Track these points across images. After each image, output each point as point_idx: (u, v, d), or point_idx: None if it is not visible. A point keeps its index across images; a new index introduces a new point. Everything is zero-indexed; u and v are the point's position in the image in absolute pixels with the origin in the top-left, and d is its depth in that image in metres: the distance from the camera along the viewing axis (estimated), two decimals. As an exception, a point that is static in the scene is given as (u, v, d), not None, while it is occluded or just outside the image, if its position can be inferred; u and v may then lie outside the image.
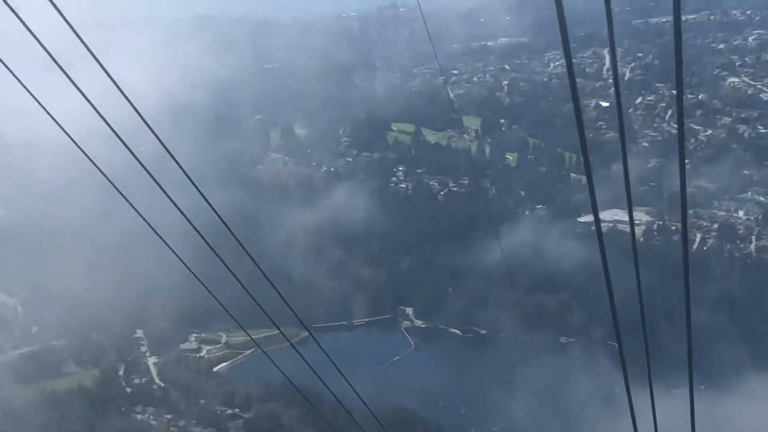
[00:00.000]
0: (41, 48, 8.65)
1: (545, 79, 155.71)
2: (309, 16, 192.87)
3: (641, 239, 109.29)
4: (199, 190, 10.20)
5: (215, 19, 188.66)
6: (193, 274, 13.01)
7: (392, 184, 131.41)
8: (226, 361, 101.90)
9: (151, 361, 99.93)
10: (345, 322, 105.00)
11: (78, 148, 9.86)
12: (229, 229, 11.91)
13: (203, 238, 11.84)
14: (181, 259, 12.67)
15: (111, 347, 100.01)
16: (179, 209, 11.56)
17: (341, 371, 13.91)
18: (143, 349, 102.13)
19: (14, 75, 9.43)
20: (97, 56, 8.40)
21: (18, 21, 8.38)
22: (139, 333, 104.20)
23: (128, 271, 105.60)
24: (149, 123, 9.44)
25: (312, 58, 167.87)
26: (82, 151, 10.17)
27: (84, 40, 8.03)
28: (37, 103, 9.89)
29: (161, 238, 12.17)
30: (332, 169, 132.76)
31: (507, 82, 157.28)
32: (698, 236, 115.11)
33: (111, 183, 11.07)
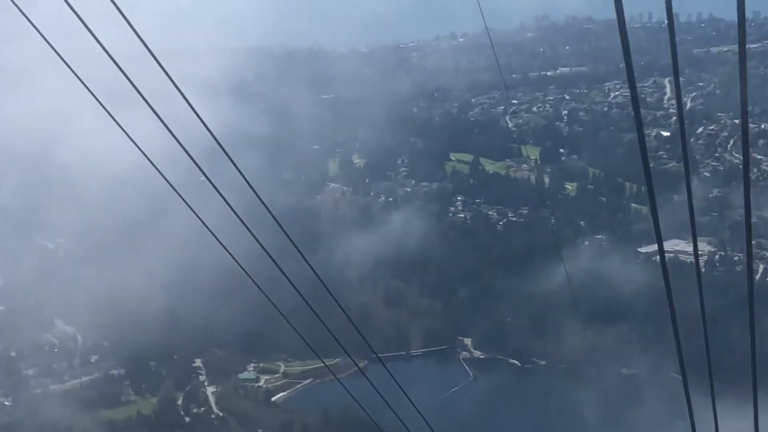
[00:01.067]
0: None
1: (605, 109, 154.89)
2: (366, 47, 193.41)
3: (703, 270, 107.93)
4: (273, 217, 10.05)
5: (272, 50, 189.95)
6: (271, 302, 12.83)
7: (450, 214, 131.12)
8: (284, 391, 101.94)
9: (210, 390, 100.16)
10: (403, 352, 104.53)
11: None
12: (304, 258, 11.71)
13: (279, 268, 11.64)
14: (258, 286, 12.50)
15: (170, 376, 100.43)
16: (257, 239, 11.41)
17: (409, 397, 13.70)
18: (202, 378, 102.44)
19: (102, 105, 9.30)
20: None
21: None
22: (198, 362, 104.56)
23: (186, 301, 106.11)
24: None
25: (370, 89, 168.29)
26: (165, 179, 10.05)
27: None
28: (118, 133, 9.79)
29: (241, 267, 12.02)
30: (390, 199, 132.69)
31: (566, 111, 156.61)
32: (761, 267, 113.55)
33: (192, 211, 10.95)
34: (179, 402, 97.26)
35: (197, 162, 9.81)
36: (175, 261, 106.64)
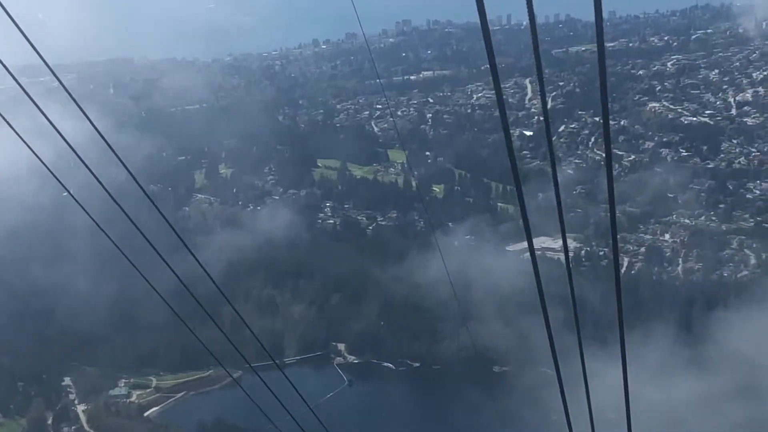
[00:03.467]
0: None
1: (469, 111, 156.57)
2: (229, 56, 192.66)
3: (571, 265, 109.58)
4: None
5: (134, 61, 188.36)
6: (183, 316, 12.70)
7: (320, 220, 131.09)
8: (157, 405, 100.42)
9: (81, 408, 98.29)
10: (276, 361, 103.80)
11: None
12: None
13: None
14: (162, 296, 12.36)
15: (38, 395, 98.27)
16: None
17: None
18: (72, 396, 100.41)
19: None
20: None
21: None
22: (67, 380, 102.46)
23: (54, 318, 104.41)
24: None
25: (234, 98, 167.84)
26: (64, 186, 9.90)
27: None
28: None
29: (153, 281, 11.87)
30: (259, 208, 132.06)
31: (431, 114, 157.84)
32: (626, 260, 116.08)
33: (103, 228, 10.78)
34: (49, 422, 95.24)
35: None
36: (40, 277, 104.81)
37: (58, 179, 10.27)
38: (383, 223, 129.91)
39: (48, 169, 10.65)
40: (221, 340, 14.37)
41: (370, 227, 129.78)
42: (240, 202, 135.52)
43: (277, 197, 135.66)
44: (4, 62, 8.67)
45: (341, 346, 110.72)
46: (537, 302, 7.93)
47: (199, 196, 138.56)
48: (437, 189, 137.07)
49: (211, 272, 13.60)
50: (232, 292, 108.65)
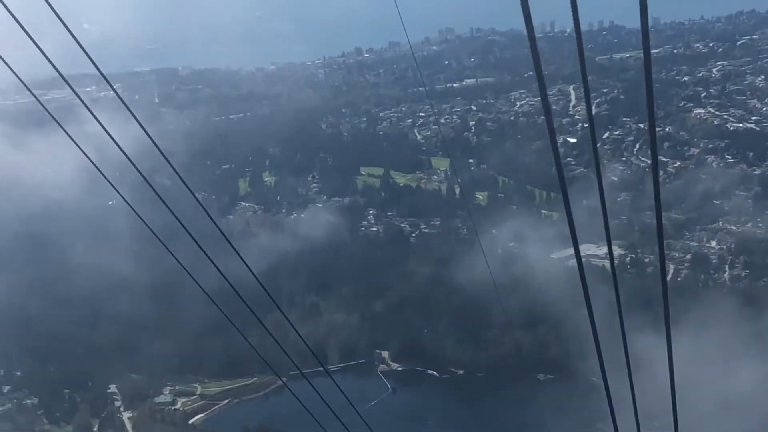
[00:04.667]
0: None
1: (512, 118, 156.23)
2: (273, 65, 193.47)
3: (616, 272, 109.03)
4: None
5: (179, 71, 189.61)
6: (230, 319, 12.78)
7: (363, 228, 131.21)
8: (202, 413, 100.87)
9: (126, 415, 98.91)
10: (324, 366, 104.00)
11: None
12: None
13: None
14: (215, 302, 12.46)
15: (84, 403, 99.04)
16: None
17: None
18: (117, 403, 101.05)
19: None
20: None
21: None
22: (113, 387, 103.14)
23: (98, 325, 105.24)
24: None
25: (278, 107, 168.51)
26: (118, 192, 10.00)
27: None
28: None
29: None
30: (302, 216, 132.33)
31: (474, 122, 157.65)
32: (672, 268, 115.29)
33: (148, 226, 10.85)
34: (95, 429, 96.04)
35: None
36: (84, 286, 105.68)
37: (114, 187, 10.37)
38: (426, 230, 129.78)
39: (105, 177, 10.76)
40: (264, 347, 14.41)
41: (414, 234, 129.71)
42: (284, 210, 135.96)
43: (320, 205, 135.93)
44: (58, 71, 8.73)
45: (385, 354, 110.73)
46: (583, 309, 7.88)
47: (244, 204, 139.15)
48: (480, 196, 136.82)
49: (256, 281, 13.66)
50: (276, 300, 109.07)
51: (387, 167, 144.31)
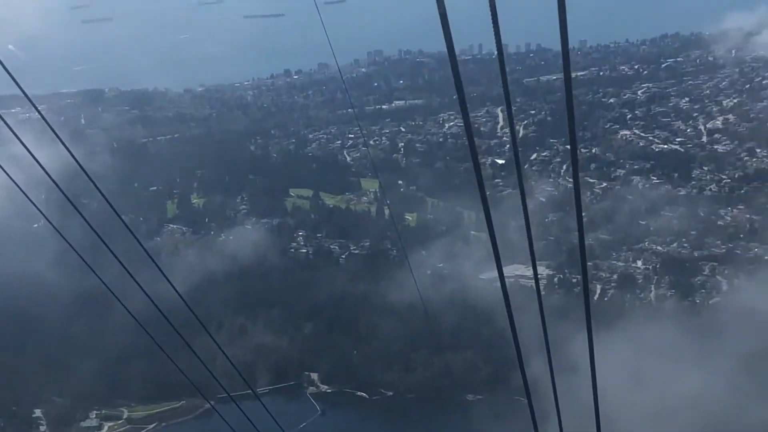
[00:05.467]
0: None
1: (440, 140, 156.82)
2: (201, 86, 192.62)
3: (543, 293, 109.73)
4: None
5: (105, 93, 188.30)
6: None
7: (292, 250, 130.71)
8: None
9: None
10: (249, 391, 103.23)
11: None
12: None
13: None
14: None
15: (9, 428, 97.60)
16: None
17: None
18: (43, 428, 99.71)
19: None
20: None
21: None
22: (38, 412, 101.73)
23: (24, 348, 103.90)
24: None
25: (206, 128, 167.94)
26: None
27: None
28: None
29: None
30: (231, 237, 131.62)
31: (403, 143, 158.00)
32: (598, 287, 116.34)
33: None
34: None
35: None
36: (8, 308, 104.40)
37: (38, 209, 10.24)
38: (356, 251, 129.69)
39: (29, 199, 10.61)
40: (193, 369, 14.31)
41: (343, 256, 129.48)
42: (212, 232, 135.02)
43: (249, 226, 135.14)
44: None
45: (314, 376, 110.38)
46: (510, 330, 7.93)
47: (171, 225, 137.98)
48: (410, 217, 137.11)
49: (183, 303, 13.59)
50: (204, 322, 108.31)
51: (316, 189, 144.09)
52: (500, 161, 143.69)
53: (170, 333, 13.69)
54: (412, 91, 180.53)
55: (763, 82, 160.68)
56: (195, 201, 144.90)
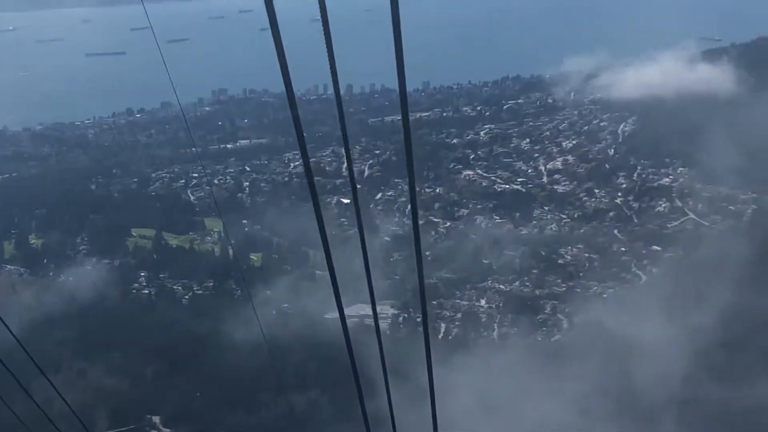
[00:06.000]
0: None
1: (286, 179, 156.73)
2: (40, 125, 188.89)
3: (387, 332, 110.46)
4: None
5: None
6: None
7: (134, 291, 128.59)
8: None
9: None
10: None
11: None
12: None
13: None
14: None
15: None
16: None
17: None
18: None
19: None
20: None
21: None
22: None
23: None
24: None
25: (46, 167, 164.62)
26: None
27: None
28: None
29: None
30: (71, 278, 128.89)
31: (248, 183, 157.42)
32: (443, 326, 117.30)
33: None
34: None
35: None
36: None
37: None
38: (200, 292, 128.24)
39: None
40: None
41: (186, 296, 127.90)
42: (51, 272, 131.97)
43: (89, 267, 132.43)
44: None
45: (156, 419, 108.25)
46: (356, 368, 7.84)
47: (8, 266, 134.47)
48: (255, 257, 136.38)
49: (19, 348, 13.14)
50: (41, 364, 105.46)
51: (159, 228, 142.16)
52: (346, 201, 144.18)
53: (5, 376, 13.19)
54: (257, 130, 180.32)
55: (601, 124, 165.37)
56: (33, 241, 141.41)
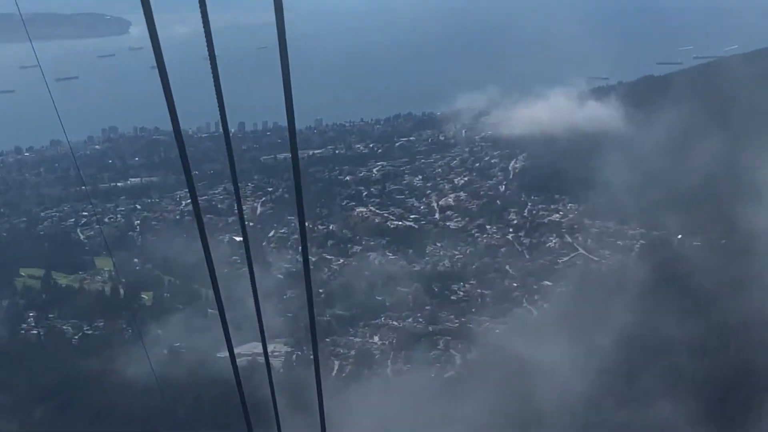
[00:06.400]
0: None
1: (177, 217, 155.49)
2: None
3: (281, 370, 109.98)
4: None
5: None
6: None
7: (23, 331, 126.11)
8: None
9: None
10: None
11: None
12: None
13: None
14: None
15: None
16: None
17: None
18: None
19: None
20: None
21: None
22: None
23: None
24: None
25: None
26: None
27: None
28: None
29: None
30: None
31: (139, 221, 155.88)
32: (336, 363, 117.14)
33: None
34: None
35: None
36: None
37: None
38: (90, 332, 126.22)
39: None
40: None
41: (76, 336, 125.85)
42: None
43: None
44: None
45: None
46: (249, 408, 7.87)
47: None
48: (146, 296, 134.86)
49: None
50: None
51: (48, 268, 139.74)
52: (238, 238, 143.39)
53: None
54: (148, 168, 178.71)
55: (492, 160, 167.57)
56: None
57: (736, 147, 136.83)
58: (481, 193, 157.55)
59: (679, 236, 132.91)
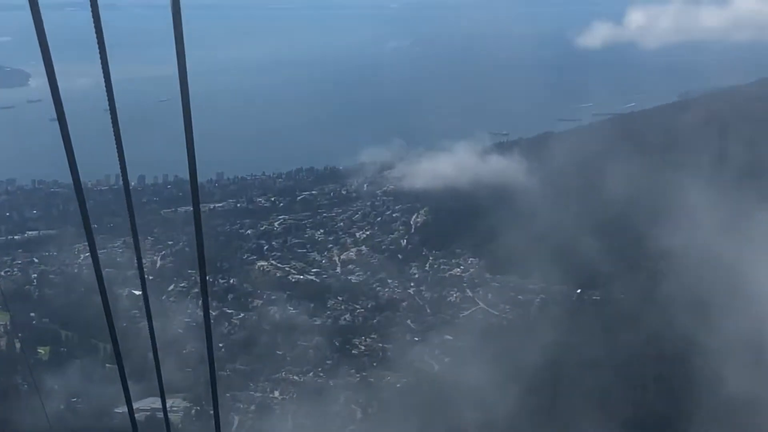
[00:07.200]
0: None
1: (75, 270, 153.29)
2: None
3: (180, 425, 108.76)
4: None
5: None
6: None
7: None
8: None
9: None
10: None
11: None
12: None
13: None
14: None
15: None
16: None
17: None
18: None
19: None
20: None
21: None
22: None
23: None
24: None
25: None
26: None
27: None
28: None
29: None
30: None
31: (36, 275, 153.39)
32: (236, 419, 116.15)
33: None
34: None
35: None
36: None
37: None
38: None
39: None
40: None
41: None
42: None
43: None
44: None
45: None
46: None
47: None
48: (42, 351, 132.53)
49: None
50: None
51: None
52: (137, 292, 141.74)
53: None
54: (46, 221, 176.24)
55: (394, 214, 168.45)
56: None
57: (633, 199, 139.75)
58: (383, 247, 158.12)
59: (579, 290, 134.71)
